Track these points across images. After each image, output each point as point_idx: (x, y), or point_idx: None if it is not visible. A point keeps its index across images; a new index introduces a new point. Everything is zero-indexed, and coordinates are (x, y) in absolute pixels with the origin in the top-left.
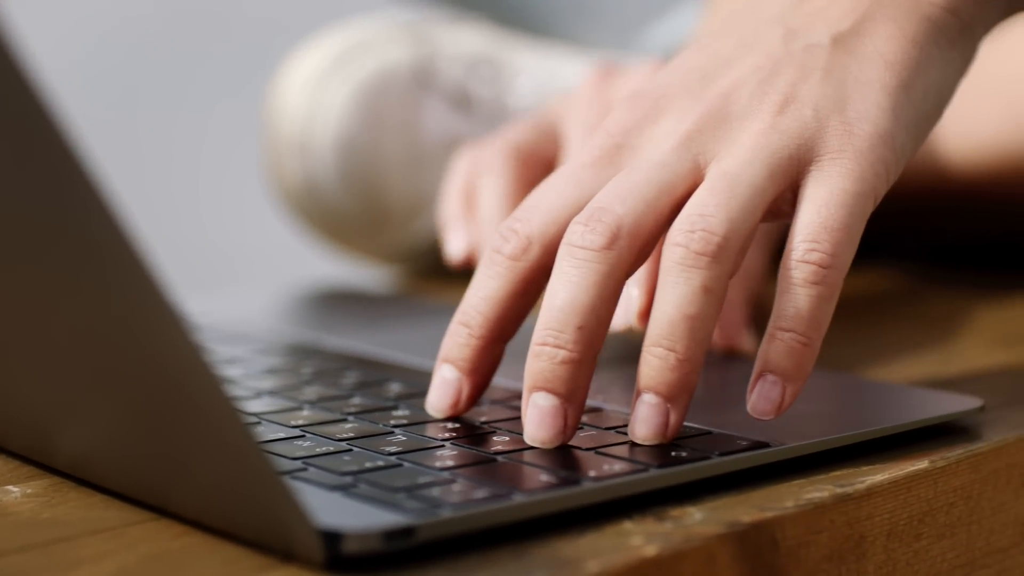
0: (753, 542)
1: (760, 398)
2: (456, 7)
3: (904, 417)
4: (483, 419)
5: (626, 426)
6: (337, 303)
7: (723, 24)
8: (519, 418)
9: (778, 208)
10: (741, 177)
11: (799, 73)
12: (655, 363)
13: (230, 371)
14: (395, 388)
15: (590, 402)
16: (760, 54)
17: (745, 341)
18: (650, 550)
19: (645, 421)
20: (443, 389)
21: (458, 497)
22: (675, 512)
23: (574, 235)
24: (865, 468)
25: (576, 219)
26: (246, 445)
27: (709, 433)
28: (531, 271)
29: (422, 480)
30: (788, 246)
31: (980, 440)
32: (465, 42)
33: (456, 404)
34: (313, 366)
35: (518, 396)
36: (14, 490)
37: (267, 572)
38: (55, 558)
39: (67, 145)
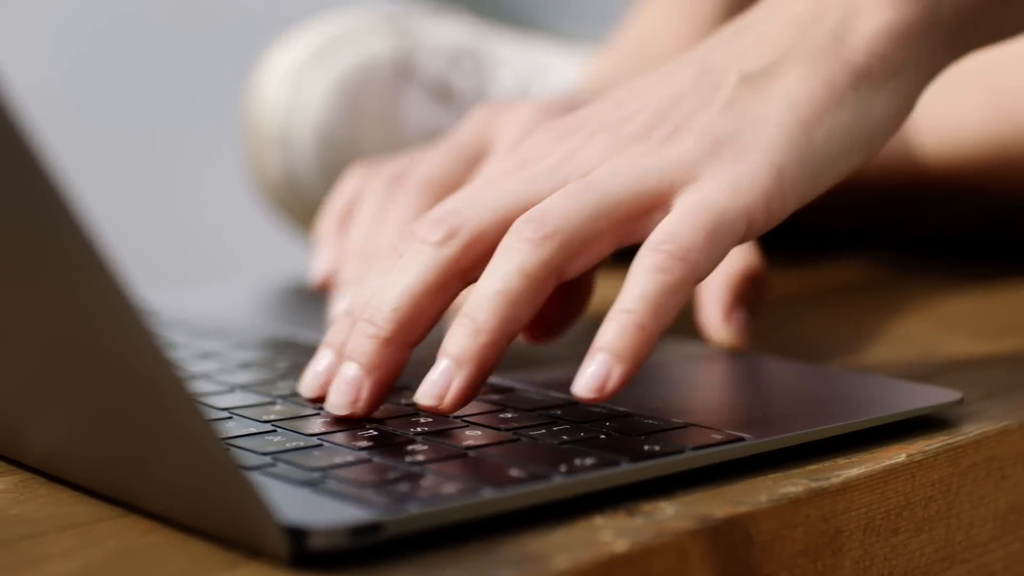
0: (726, 537)
1: (586, 376)
2: None
3: (881, 410)
4: (456, 413)
5: (599, 421)
6: (315, 297)
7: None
8: (491, 412)
9: (642, 227)
10: (596, 184)
11: (699, 105)
12: (456, 330)
13: (204, 366)
14: None
15: (565, 396)
16: (670, 86)
17: (717, 331)
18: (620, 545)
19: (428, 381)
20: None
21: (426, 492)
22: (647, 507)
23: (419, 231)
24: (841, 462)
25: (430, 217)
26: (209, 442)
27: (683, 427)
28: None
29: (391, 475)
30: (649, 238)
31: (959, 433)
32: (446, 34)
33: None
34: (288, 360)
35: (494, 390)
36: None
37: (233, 568)
38: (21, 555)
39: (24, 142)
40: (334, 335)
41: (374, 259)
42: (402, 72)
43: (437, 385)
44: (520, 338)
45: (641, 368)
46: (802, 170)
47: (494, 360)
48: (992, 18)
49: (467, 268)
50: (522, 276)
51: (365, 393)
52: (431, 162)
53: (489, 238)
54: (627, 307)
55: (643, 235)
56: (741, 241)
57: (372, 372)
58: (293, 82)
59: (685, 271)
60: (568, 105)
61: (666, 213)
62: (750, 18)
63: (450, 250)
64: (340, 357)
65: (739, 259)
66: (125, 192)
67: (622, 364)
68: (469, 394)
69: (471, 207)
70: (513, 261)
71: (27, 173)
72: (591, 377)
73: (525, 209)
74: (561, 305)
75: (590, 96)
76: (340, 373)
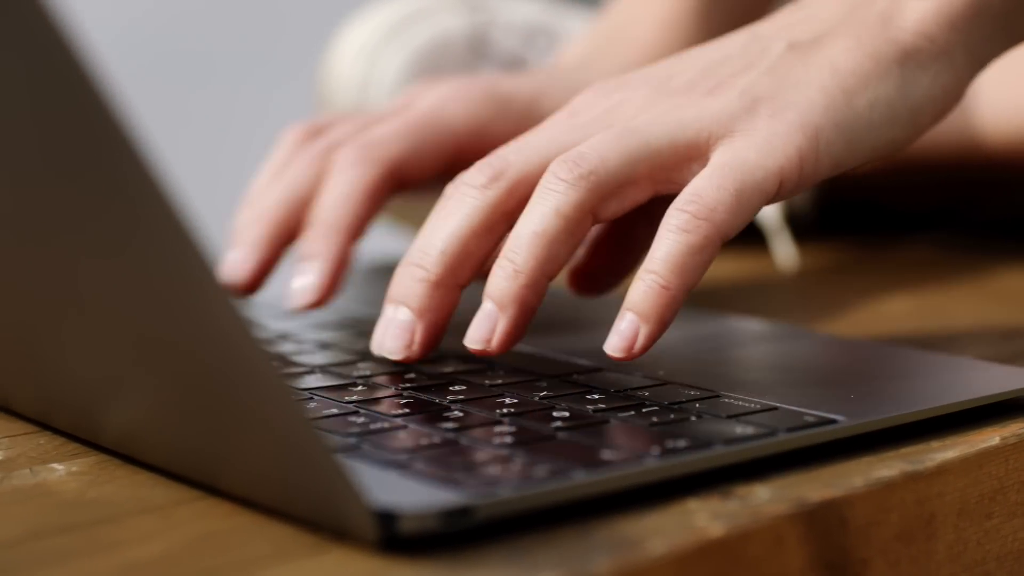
0: (822, 521)
1: (614, 334)
2: None
3: (974, 392)
4: (541, 394)
5: (689, 403)
6: (391, 277)
7: None
8: (580, 393)
9: (680, 177)
10: (637, 131)
11: (742, 67)
12: (497, 272)
13: (283, 347)
14: (451, 363)
15: (653, 377)
16: (719, 51)
17: None
18: (716, 530)
19: (475, 325)
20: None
21: (517, 475)
22: (740, 490)
23: (467, 176)
24: (935, 445)
25: (476, 164)
26: (297, 422)
27: (775, 409)
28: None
29: (480, 457)
30: (677, 197)
31: None
32: (521, 11)
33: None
34: (368, 341)
35: (578, 371)
36: (59, 468)
37: (319, 552)
38: (100, 539)
39: (117, 123)
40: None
41: None
42: (477, 49)
43: (483, 328)
44: (568, 290)
45: (732, 349)
46: (839, 133)
47: (535, 301)
48: None
49: (512, 210)
50: (557, 216)
51: (419, 336)
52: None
53: (533, 181)
54: (652, 268)
55: (680, 185)
56: (773, 200)
57: (424, 315)
58: (367, 58)
59: (709, 231)
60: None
61: (703, 165)
62: (806, 0)
63: (494, 192)
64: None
65: None
66: (201, 172)
67: (648, 324)
68: (516, 335)
69: (516, 152)
70: (549, 202)
71: (117, 148)
72: (620, 337)
73: None
74: (612, 258)
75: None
76: (391, 318)
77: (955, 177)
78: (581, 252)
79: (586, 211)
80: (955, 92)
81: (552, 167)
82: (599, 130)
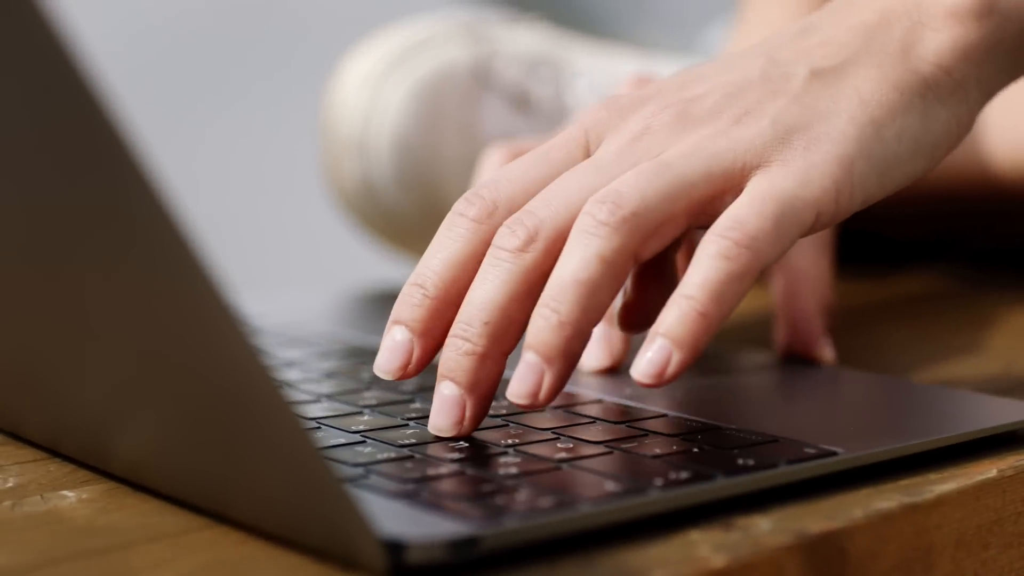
0: (822, 552)
1: (644, 360)
2: (515, 7)
3: (972, 425)
4: (546, 425)
5: (691, 434)
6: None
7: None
8: (583, 424)
9: (715, 209)
10: (671, 166)
11: (768, 93)
12: (540, 323)
13: (288, 374)
14: None
15: (654, 408)
16: (736, 73)
17: (825, 351)
18: (718, 561)
19: (520, 378)
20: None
21: (523, 506)
22: (742, 522)
23: (498, 237)
24: (933, 476)
25: (505, 222)
26: (306, 452)
27: (776, 440)
28: (487, 239)
29: (486, 488)
30: (715, 223)
31: None
32: (524, 42)
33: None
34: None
35: (580, 402)
36: (70, 495)
37: None
38: (110, 566)
39: (128, 152)
40: (402, 310)
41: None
42: (480, 79)
43: (529, 383)
44: (619, 327)
45: (732, 380)
46: (872, 166)
47: (581, 349)
48: None
49: (550, 268)
50: (601, 263)
51: (469, 412)
52: None
53: (566, 235)
54: (690, 293)
55: (714, 217)
56: (808, 232)
57: (474, 390)
58: (371, 89)
59: (750, 259)
60: None
61: (736, 196)
62: (814, 20)
63: (532, 257)
64: (418, 336)
65: (827, 287)
66: (203, 198)
67: (681, 351)
68: (561, 386)
69: (545, 206)
70: (591, 247)
71: (120, 169)
72: (650, 363)
73: None
74: (655, 290)
75: None
76: (440, 393)
77: (956, 208)
78: (628, 286)
79: (630, 255)
80: (967, 125)
81: (590, 208)
82: (626, 168)
